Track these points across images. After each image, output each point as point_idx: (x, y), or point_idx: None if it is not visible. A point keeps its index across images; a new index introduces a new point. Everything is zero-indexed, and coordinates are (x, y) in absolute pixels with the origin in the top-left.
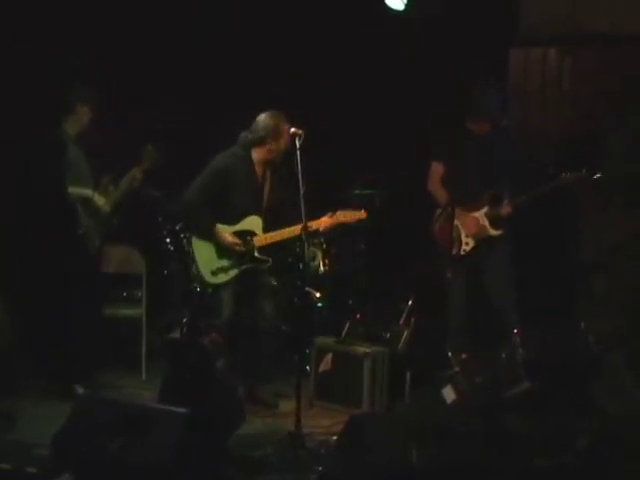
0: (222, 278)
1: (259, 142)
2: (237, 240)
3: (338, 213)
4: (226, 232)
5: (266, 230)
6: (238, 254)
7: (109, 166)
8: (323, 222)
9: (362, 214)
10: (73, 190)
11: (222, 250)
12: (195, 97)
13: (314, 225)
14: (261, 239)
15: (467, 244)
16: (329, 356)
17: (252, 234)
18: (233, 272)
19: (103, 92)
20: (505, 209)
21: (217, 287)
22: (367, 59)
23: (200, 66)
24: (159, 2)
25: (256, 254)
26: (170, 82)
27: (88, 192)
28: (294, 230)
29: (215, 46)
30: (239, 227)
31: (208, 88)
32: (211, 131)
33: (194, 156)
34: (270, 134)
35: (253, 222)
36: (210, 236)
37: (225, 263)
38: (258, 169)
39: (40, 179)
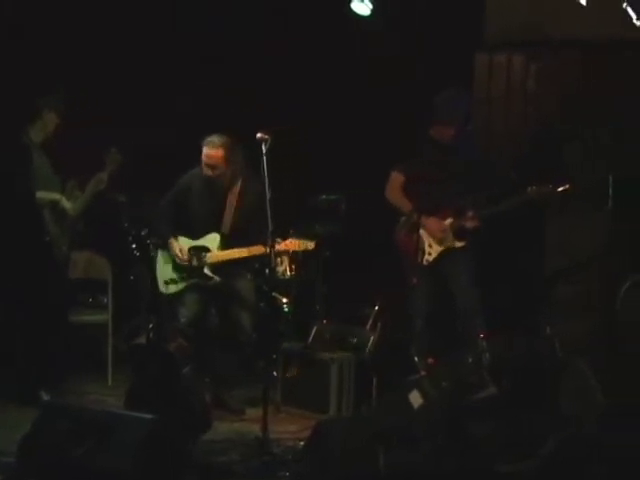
0: (172, 289)
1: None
2: (184, 255)
3: (288, 241)
4: (183, 245)
5: (230, 248)
6: (189, 268)
7: (73, 172)
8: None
9: (310, 244)
10: (41, 195)
11: (176, 262)
12: (163, 102)
13: (257, 251)
14: (212, 257)
15: (430, 254)
16: (296, 362)
17: (207, 250)
18: (182, 285)
19: (67, 97)
20: (471, 222)
21: (172, 295)
22: (332, 64)
23: (168, 70)
24: (125, 6)
25: (205, 270)
26: (137, 86)
27: (56, 196)
28: (242, 251)
29: (184, 50)
30: (198, 243)
31: (177, 92)
32: (179, 135)
33: (160, 161)
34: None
35: (211, 239)
36: (166, 246)
37: (176, 275)
38: (219, 186)
39: (5, 186)
